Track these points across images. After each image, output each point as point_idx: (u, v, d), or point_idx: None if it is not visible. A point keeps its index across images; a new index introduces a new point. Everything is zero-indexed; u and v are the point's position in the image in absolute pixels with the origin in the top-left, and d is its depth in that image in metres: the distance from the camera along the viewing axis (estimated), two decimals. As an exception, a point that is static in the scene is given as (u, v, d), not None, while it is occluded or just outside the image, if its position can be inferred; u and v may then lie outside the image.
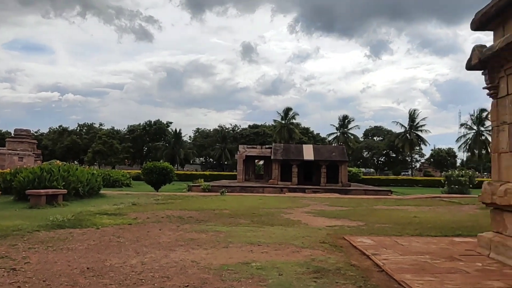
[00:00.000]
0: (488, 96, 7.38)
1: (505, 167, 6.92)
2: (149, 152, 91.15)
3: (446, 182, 29.81)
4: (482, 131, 72.26)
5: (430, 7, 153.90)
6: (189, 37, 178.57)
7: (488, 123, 71.22)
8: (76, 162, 78.51)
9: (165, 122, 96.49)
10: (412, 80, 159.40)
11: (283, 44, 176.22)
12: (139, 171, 38.23)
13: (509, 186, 6.52)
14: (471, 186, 28.77)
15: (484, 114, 71.70)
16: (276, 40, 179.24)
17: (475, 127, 73.23)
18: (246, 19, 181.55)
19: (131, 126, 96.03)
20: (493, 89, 7.20)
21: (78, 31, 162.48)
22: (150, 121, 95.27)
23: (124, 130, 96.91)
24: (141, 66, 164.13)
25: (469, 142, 73.26)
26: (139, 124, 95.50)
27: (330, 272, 5.82)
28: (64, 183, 16.54)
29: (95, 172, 20.35)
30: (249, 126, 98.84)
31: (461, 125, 78.15)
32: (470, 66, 7.46)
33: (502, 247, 6.62)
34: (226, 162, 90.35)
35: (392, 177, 62.67)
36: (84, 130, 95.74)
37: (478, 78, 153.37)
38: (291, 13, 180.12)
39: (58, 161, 24.17)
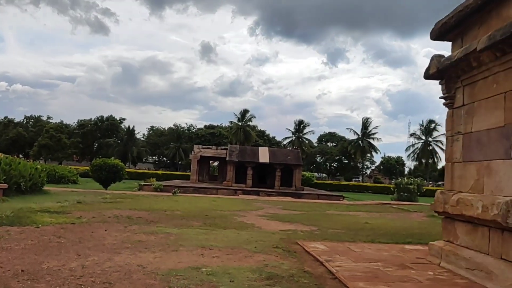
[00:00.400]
0: (444, 106, 7.47)
1: (458, 176, 7.01)
2: (100, 149, 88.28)
3: (395, 190, 30.56)
4: (430, 141, 75.25)
5: (386, 20, 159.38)
6: (147, 33, 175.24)
7: (436, 133, 74.63)
8: (21, 156, 74.83)
9: (118, 118, 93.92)
10: (366, 89, 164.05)
11: (242, 46, 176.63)
12: (88, 167, 36.84)
13: (462, 196, 6.58)
14: (419, 194, 29.66)
15: (433, 125, 74.88)
16: (235, 42, 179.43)
17: (423, 137, 76.11)
18: (206, 18, 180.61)
19: (81, 120, 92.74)
20: (449, 99, 7.28)
21: (31, 19, 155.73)
22: (102, 117, 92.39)
23: (74, 124, 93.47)
24: (95, 60, 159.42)
25: (418, 152, 76.05)
26: (90, 119, 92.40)
27: (283, 279, 5.62)
28: (5, 177, 15.53)
29: (39, 166, 19.33)
30: (205, 126, 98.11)
31: (411, 135, 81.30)
32: (428, 75, 7.51)
33: (452, 256, 6.67)
34: (180, 162, 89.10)
35: (343, 182, 64.06)
36: (31, 123, 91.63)
37: (427, 90, 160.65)
38: (252, 16, 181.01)
39: (0, 154, 22.77)
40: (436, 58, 7.24)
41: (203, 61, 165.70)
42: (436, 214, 16.57)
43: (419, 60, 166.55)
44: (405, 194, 28.96)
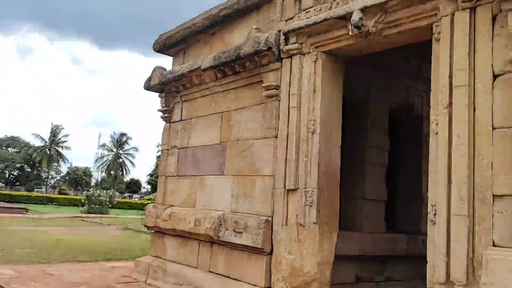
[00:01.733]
0: (162, 119, 7.43)
1: (171, 190, 7.02)
2: None
3: (86, 202, 29.38)
4: (121, 153, 76.76)
5: (86, 29, 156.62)
6: None
7: (127, 146, 76.79)
8: None
9: None
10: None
11: None
12: None
13: (174, 210, 6.60)
14: (110, 206, 29.46)
15: (124, 138, 76.93)
16: None
17: (114, 150, 76.96)
18: None
19: None
20: (167, 113, 7.28)
21: None
22: None
23: None
24: None
25: (108, 163, 76.21)
26: None
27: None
28: None
29: None
30: None
31: (101, 146, 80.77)
32: (149, 86, 7.34)
33: (161, 272, 6.55)
34: None
35: (25, 193, 57.71)
36: None
37: (119, 104, 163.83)
38: None
39: None
40: (159, 70, 7.15)
41: None
42: (131, 228, 16.69)
43: (115, 73, 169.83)
44: (97, 206, 28.21)
